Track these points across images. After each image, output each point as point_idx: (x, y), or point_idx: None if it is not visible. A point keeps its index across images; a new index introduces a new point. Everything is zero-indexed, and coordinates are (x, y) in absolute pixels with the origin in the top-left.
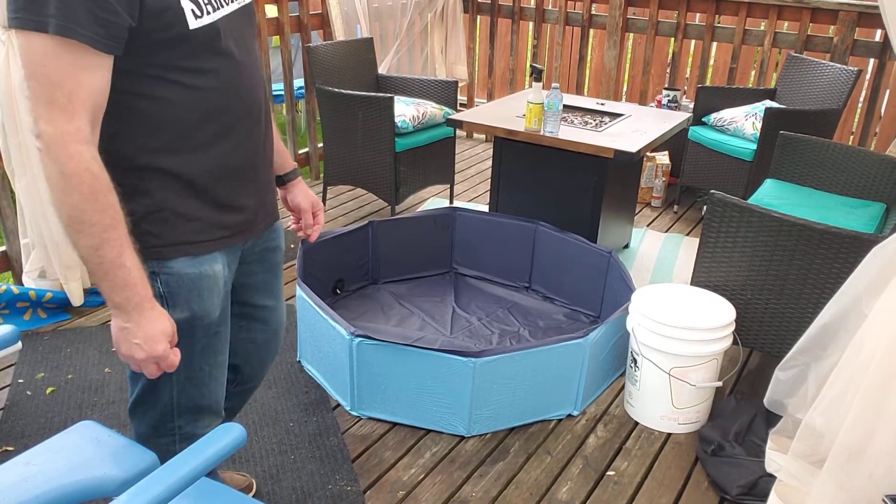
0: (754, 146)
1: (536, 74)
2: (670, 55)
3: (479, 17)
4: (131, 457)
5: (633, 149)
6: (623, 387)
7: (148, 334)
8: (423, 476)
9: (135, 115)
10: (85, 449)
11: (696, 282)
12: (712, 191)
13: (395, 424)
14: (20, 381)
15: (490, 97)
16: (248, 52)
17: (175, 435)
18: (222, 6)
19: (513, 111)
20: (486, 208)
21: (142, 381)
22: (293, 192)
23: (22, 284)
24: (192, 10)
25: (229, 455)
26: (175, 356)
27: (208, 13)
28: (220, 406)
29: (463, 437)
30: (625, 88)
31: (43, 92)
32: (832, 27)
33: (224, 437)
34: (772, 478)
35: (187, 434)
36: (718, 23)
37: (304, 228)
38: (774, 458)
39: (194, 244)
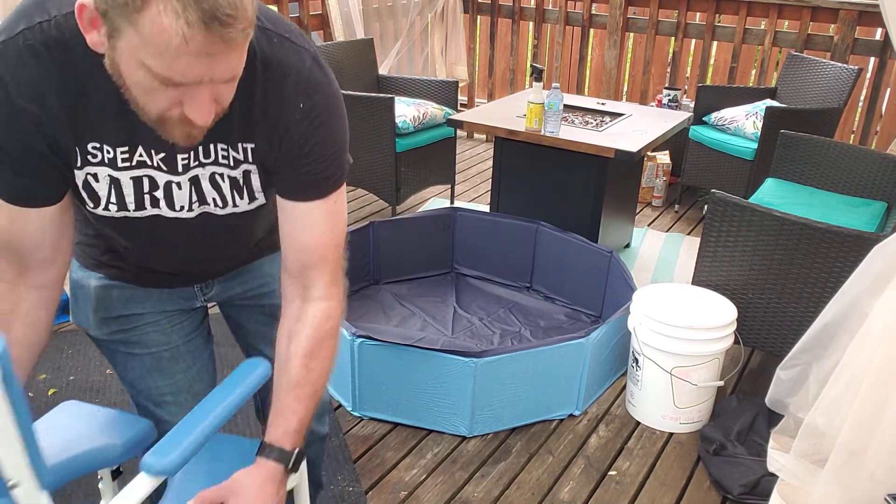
0: (755, 145)
1: (537, 74)
2: (671, 55)
3: (479, 17)
4: (125, 425)
5: (634, 148)
6: (624, 386)
7: None
8: (424, 476)
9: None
10: (75, 426)
11: (697, 281)
12: (713, 190)
13: (396, 425)
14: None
15: (490, 97)
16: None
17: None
18: (167, 207)
19: (513, 111)
20: (486, 208)
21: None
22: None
23: None
24: (112, 203)
25: (257, 389)
26: None
27: (128, 210)
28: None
29: (464, 438)
30: (625, 88)
31: None
32: (832, 26)
33: (251, 371)
34: (774, 477)
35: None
36: (719, 22)
37: None
38: (776, 458)
39: (78, 255)
